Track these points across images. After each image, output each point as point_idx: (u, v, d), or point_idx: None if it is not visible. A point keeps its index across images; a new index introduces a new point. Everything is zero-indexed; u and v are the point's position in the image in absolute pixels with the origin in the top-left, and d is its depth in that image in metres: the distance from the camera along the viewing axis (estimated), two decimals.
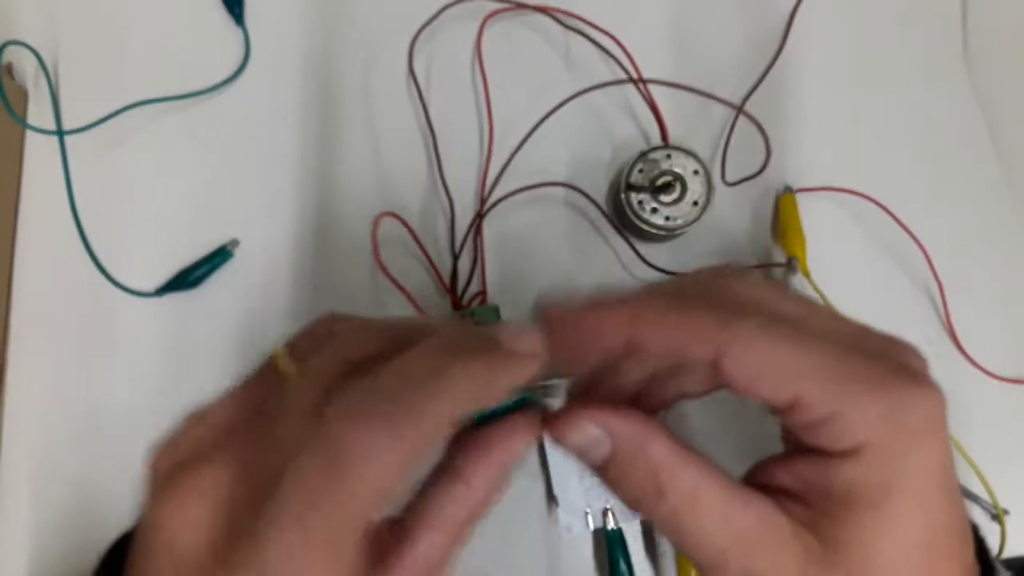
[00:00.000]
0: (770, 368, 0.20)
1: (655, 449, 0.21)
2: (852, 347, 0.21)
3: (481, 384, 0.21)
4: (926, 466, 0.20)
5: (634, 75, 0.40)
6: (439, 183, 0.40)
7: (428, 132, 0.41)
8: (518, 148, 0.40)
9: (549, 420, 0.22)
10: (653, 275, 0.39)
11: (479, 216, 0.39)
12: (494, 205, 0.40)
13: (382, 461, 0.19)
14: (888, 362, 0.21)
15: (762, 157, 0.40)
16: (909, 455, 0.20)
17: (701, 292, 0.22)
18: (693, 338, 0.20)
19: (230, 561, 0.19)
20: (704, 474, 0.21)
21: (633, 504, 0.22)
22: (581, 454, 0.22)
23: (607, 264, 0.40)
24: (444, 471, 0.22)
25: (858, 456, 0.20)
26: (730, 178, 0.40)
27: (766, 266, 0.40)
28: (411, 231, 0.39)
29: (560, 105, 0.40)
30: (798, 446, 0.22)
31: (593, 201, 0.40)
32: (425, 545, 0.21)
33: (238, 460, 0.20)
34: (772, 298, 0.22)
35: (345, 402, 0.20)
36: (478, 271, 0.39)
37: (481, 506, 0.22)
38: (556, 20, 0.41)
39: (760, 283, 0.22)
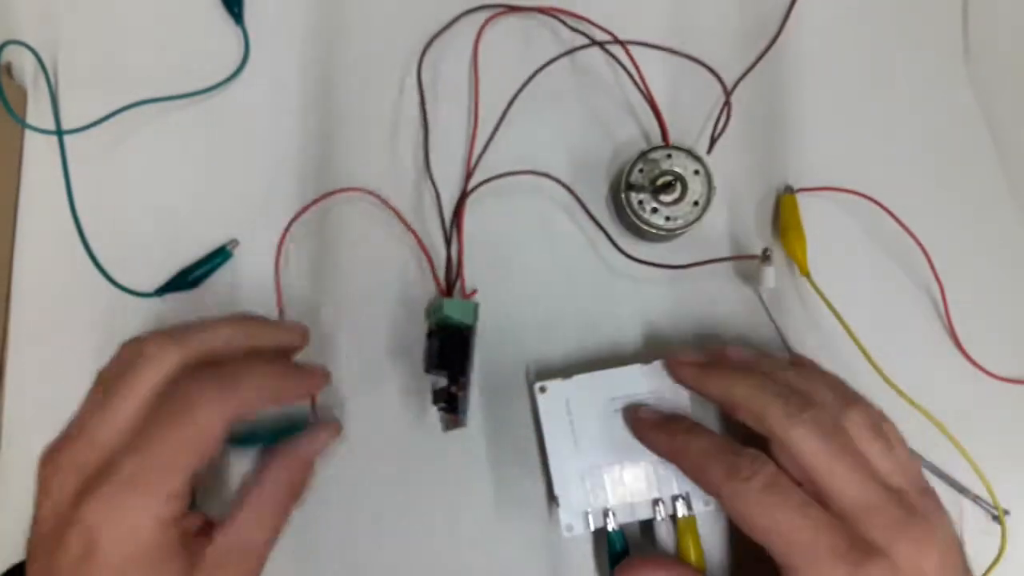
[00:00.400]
0: (746, 521, 0.29)
1: None
2: (833, 517, 0.28)
3: (272, 385, 0.32)
4: None
5: (635, 74, 0.40)
6: (439, 181, 0.40)
7: (427, 130, 0.40)
8: (494, 133, 0.40)
9: (619, 567, 0.33)
10: (634, 266, 0.39)
11: (464, 194, 0.40)
12: (477, 187, 0.40)
13: (210, 412, 0.29)
14: (856, 537, 0.28)
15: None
16: None
17: (763, 430, 0.31)
18: (705, 483, 0.31)
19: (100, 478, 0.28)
20: None
21: None
22: None
23: (587, 255, 0.40)
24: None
25: None
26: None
27: (741, 258, 0.40)
28: (404, 220, 0.39)
29: (527, 82, 0.40)
30: None
31: (570, 190, 0.40)
32: (241, 520, 0.31)
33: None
34: (818, 458, 0.29)
35: (195, 380, 0.30)
36: (463, 260, 0.39)
37: (280, 497, 0.32)
38: (559, 20, 0.41)
39: (827, 431, 0.30)
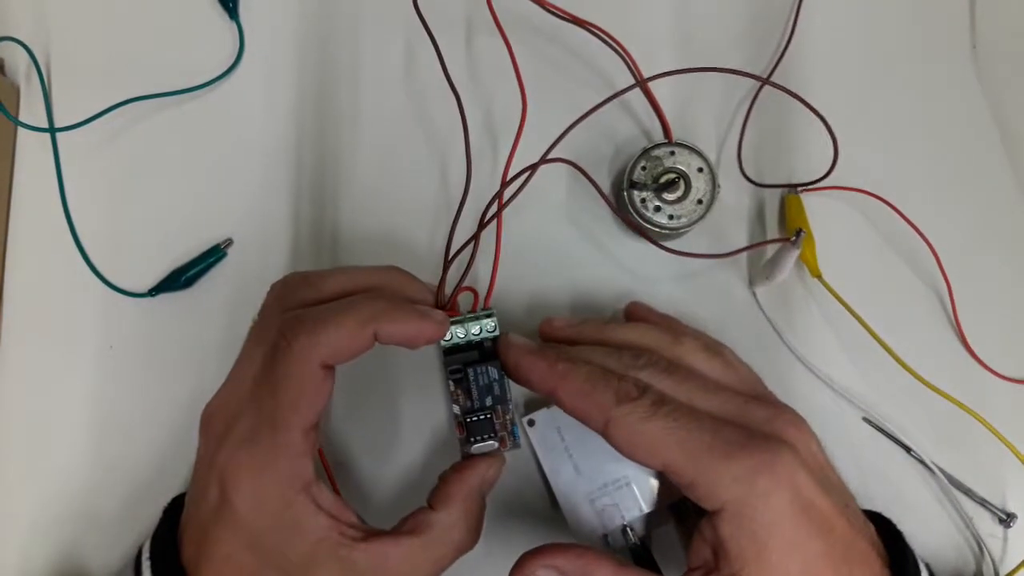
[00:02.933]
0: (641, 441, 0.27)
1: (599, 572, 0.27)
2: (722, 421, 0.27)
3: (371, 318, 0.29)
4: (777, 518, 0.25)
5: (634, 70, 0.39)
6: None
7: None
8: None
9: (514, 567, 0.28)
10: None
11: (498, 208, 0.36)
12: (506, 188, 0.38)
13: (332, 331, 0.28)
14: (751, 431, 0.27)
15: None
16: (759, 511, 0.25)
17: (626, 365, 0.29)
18: (592, 409, 0.28)
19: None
20: None
21: None
22: None
23: (584, 254, 0.40)
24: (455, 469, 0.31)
25: (722, 515, 0.25)
26: (756, 177, 0.40)
27: (772, 242, 0.39)
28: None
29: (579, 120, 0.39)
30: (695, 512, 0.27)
31: (586, 175, 0.37)
32: (442, 512, 0.29)
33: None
34: (672, 382, 0.29)
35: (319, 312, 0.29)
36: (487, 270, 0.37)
37: (474, 489, 0.30)
38: (554, 14, 0.41)
39: (677, 370, 0.29)
